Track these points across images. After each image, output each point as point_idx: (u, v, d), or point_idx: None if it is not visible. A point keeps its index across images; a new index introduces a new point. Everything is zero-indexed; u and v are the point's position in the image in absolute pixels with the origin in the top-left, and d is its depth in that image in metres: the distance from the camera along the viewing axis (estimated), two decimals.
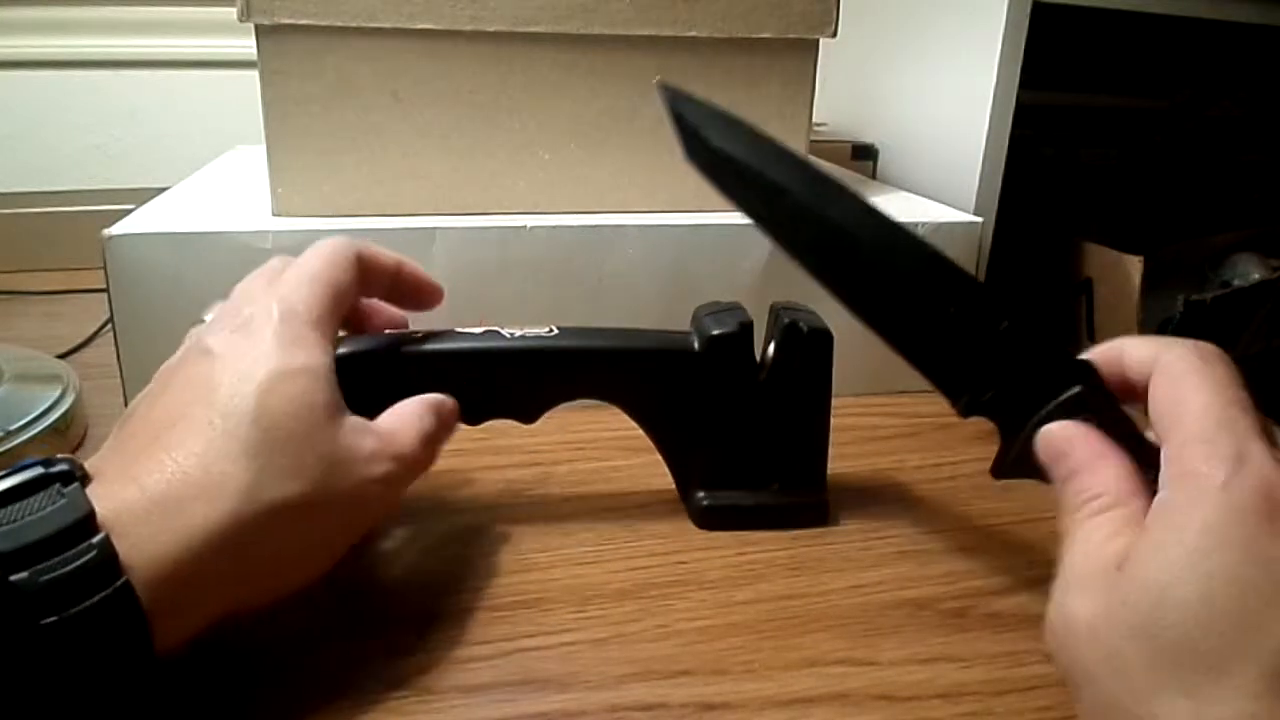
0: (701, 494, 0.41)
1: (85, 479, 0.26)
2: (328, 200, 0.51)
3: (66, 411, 0.47)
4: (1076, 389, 0.29)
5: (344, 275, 0.34)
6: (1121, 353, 0.28)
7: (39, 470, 0.26)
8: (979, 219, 0.58)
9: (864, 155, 0.84)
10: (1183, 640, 0.22)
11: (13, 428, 0.44)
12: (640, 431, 0.40)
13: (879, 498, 0.44)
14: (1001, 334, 0.30)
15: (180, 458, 0.27)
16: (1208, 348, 0.26)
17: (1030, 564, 0.38)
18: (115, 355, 0.48)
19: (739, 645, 0.33)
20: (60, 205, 0.81)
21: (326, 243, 0.35)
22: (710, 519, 0.41)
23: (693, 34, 0.52)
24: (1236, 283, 0.83)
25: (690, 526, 0.41)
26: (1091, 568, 0.25)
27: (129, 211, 0.51)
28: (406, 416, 0.33)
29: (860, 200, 0.32)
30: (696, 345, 0.39)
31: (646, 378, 0.39)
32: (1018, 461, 0.30)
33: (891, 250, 0.31)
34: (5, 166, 0.84)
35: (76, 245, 0.74)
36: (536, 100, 0.52)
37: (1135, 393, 0.28)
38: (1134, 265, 0.70)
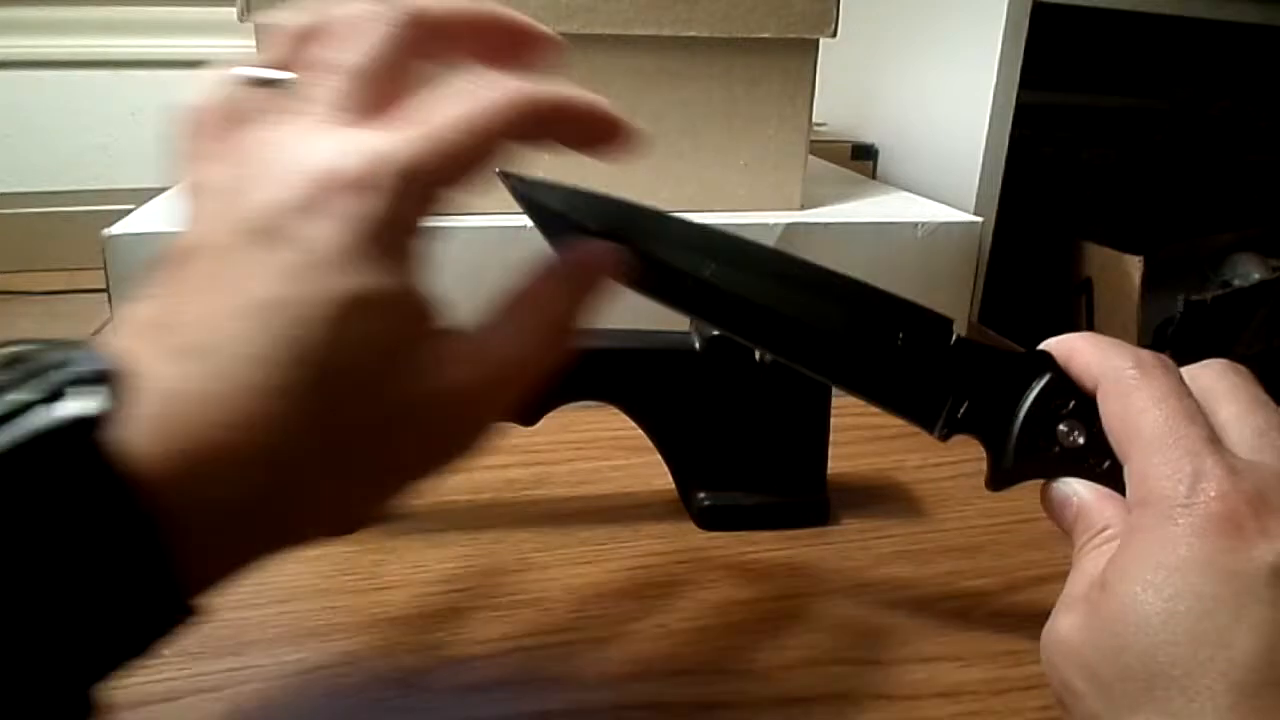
0: (701, 494, 0.41)
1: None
2: None
3: None
4: (1046, 376, 0.29)
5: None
6: (1070, 355, 0.29)
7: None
8: (979, 219, 0.58)
9: (864, 155, 0.84)
10: (1149, 659, 0.22)
11: None
12: (640, 431, 0.40)
13: (879, 498, 0.44)
14: (955, 346, 0.30)
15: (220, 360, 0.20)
16: (1147, 357, 0.27)
17: (1030, 564, 0.38)
18: None
19: (739, 645, 0.33)
20: (60, 205, 0.81)
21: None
22: (710, 519, 0.41)
23: (692, 34, 0.52)
24: (1236, 283, 0.83)
25: (690, 526, 0.41)
26: (1080, 590, 0.25)
27: (129, 211, 0.51)
28: (527, 307, 0.25)
29: (755, 245, 0.30)
30: (697, 345, 0.39)
31: (647, 378, 0.39)
32: (1011, 468, 0.30)
33: (820, 296, 0.30)
34: (5, 166, 0.84)
35: (76, 245, 0.74)
36: None
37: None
38: (1134, 265, 0.71)
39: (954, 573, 0.38)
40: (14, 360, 0.20)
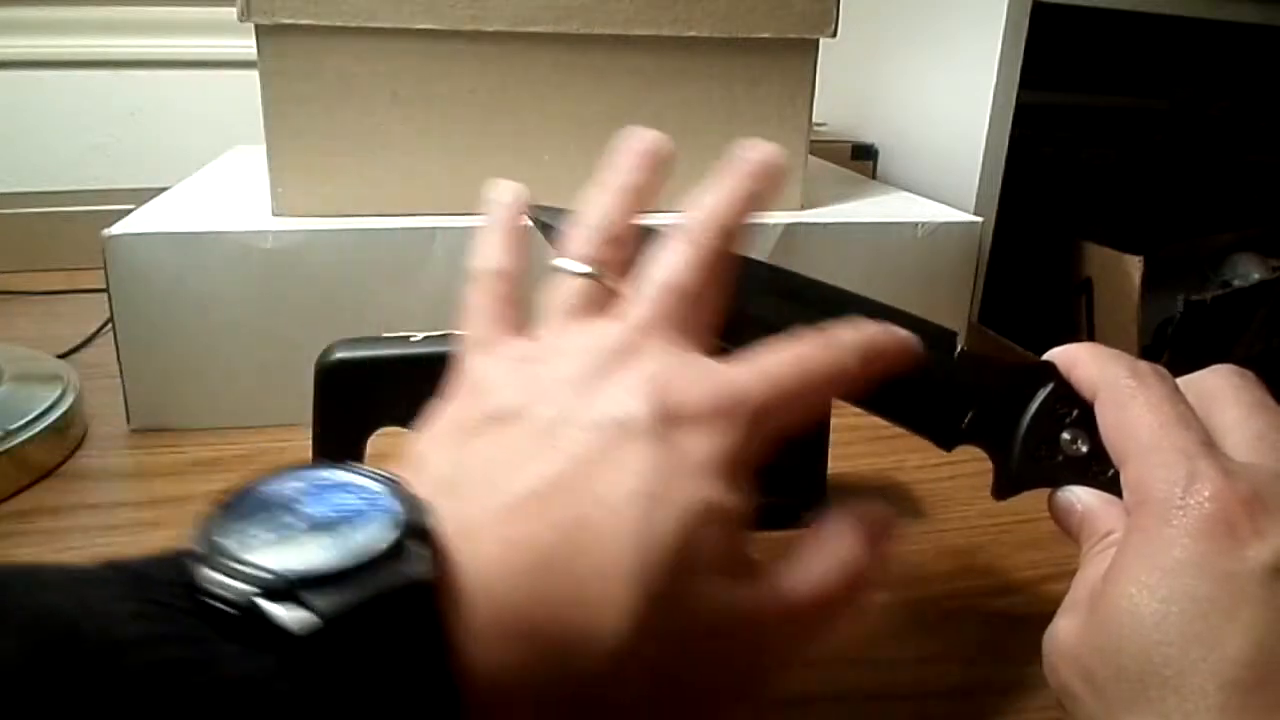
0: None
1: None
2: (328, 200, 0.51)
3: (66, 411, 0.47)
4: (1050, 386, 0.29)
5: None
6: (1072, 365, 0.29)
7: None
8: (979, 219, 0.58)
9: (864, 155, 0.84)
10: (1143, 660, 0.22)
11: (13, 427, 0.44)
12: None
13: (879, 498, 0.44)
14: (960, 358, 0.30)
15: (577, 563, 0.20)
16: (1143, 366, 0.27)
17: (1030, 564, 0.38)
18: (115, 355, 0.48)
19: None
20: (60, 205, 0.81)
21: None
22: None
23: (692, 34, 0.52)
24: (1236, 283, 0.83)
25: None
26: (1081, 593, 0.25)
27: (129, 211, 0.51)
28: (828, 551, 0.24)
29: (762, 264, 0.31)
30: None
31: None
32: (1016, 477, 0.30)
33: (826, 312, 0.31)
34: (5, 166, 0.84)
35: (76, 245, 0.74)
36: (536, 100, 0.52)
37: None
38: (1134, 265, 0.71)
39: (954, 573, 0.38)
40: (345, 486, 0.21)
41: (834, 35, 0.54)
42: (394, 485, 0.21)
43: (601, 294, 0.27)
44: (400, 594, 0.19)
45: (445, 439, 0.24)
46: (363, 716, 0.18)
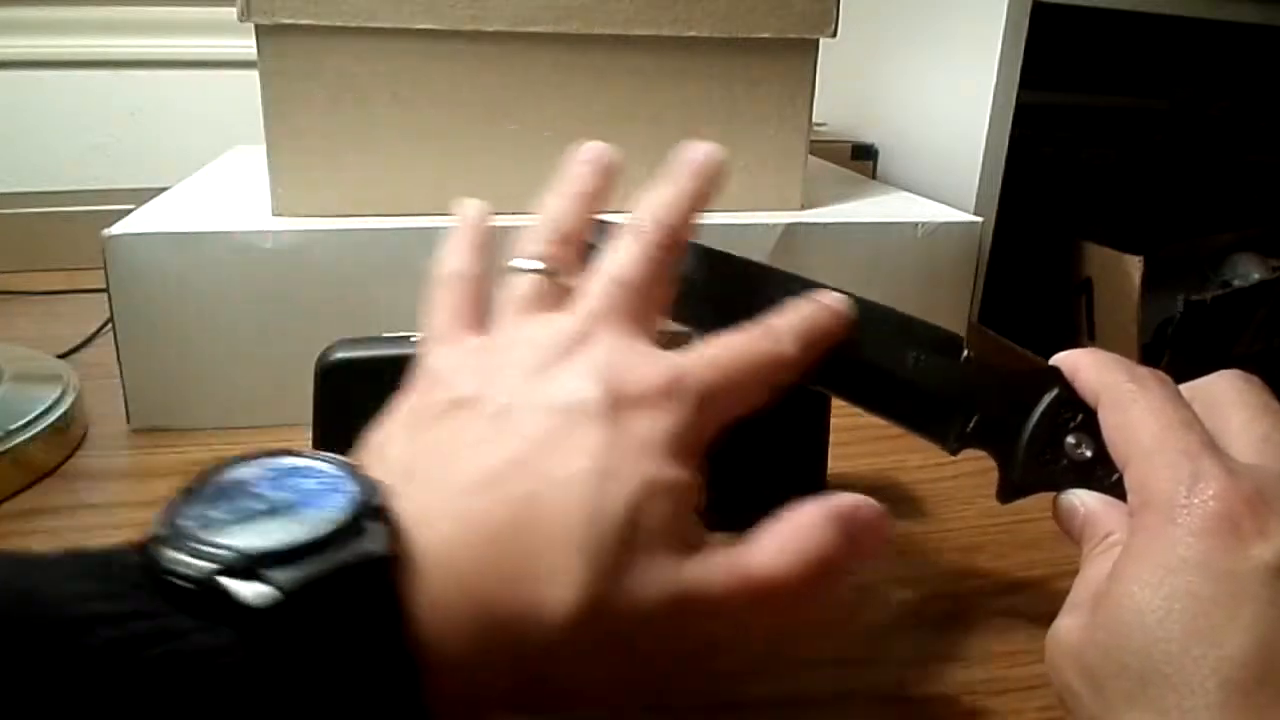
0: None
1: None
2: (328, 200, 0.51)
3: (66, 411, 0.47)
4: (1054, 391, 0.29)
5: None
6: (1075, 371, 0.29)
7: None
8: (979, 219, 0.58)
9: (864, 155, 0.84)
10: (1144, 657, 0.22)
11: (13, 427, 0.44)
12: None
13: (879, 498, 0.44)
14: (965, 363, 0.31)
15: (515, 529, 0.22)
16: (1144, 372, 0.28)
17: (1030, 564, 0.38)
18: (115, 355, 0.48)
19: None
20: (60, 205, 0.81)
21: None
22: (710, 519, 0.41)
23: (693, 34, 0.52)
24: (1236, 283, 0.83)
25: None
26: (1084, 593, 0.26)
27: (129, 211, 0.51)
28: (789, 532, 0.25)
29: (780, 273, 0.32)
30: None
31: None
32: (1020, 481, 0.30)
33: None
34: (5, 166, 0.84)
35: (76, 245, 0.74)
36: (536, 100, 0.52)
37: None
38: (1134, 265, 0.70)
39: (954, 573, 0.38)
40: (304, 472, 0.22)
41: (834, 35, 0.54)
42: (351, 469, 0.22)
43: (554, 290, 0.28)
44: (357, 568, 0.19)
45: (403, 428, 0.25)
46: (322, 688, 0.19)
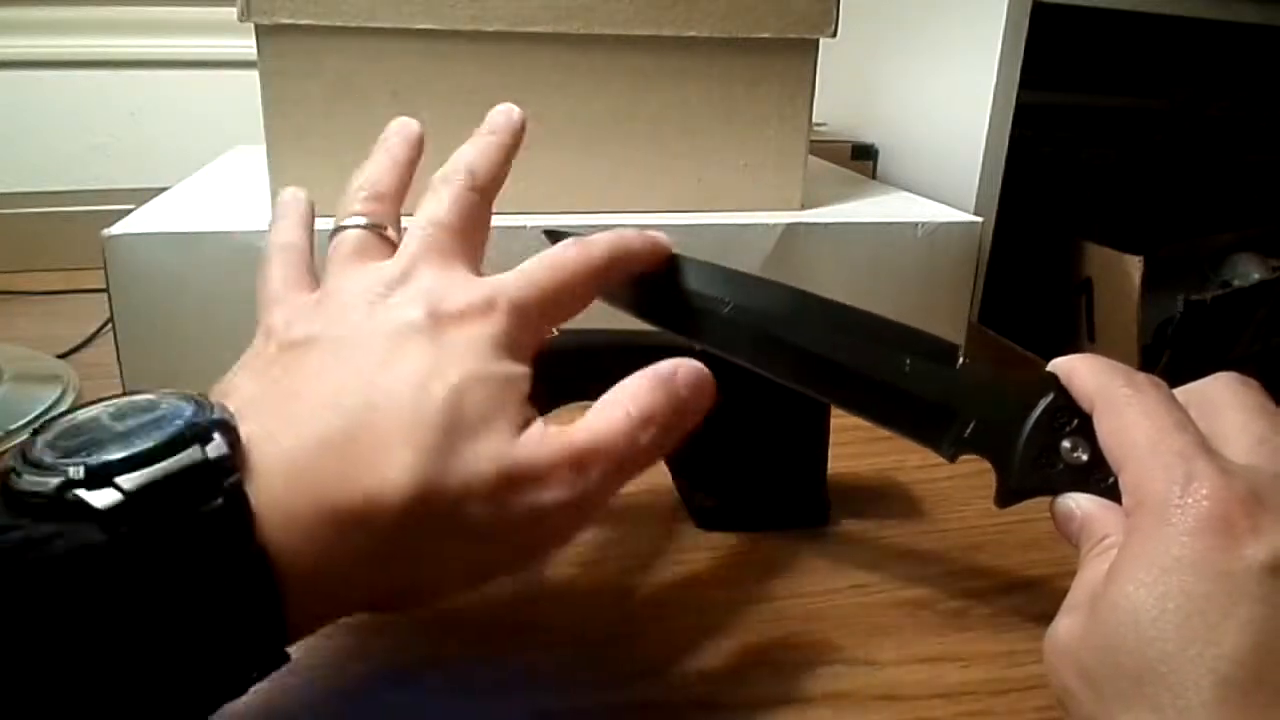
0: (701, 494, 0.41)
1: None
2: (328, 200, 0.51)
3: (66, 412, 0.47)
4: (1050, 396, 0.29)
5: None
6: (1071, 375, 0.29)
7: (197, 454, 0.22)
8: (979, 219, 0.58)
9: (864, 155, 0.84)
10: (1140, 657, 0.22)
11: (13, 427, 0.44)
12: None
13: (879, 498, 0.44)
14: (961, 370, 0.31)
15: (350, 426, 0.24)
16: (1139, 376, 0.28)
17: (1030, 564, 0.38)
18: (115, 355, 0.48)
19: (739, 645, 0.33)
20: (60, 205, 0.81)
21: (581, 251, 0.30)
22: (710, 519, 0.41)
23: (692, 34, 0.52)
24: (1236, 283, 0.83)
25: (690, 526, 0.41)
26: (1081, 595, 0.26)
27: (129, 211, 0.51)
28: (610, 399, 0.27)
29: (775, 285, 0.33)
30: (696, 345, 0.39)
31: None
32: (1018, 485, 0.30)
33: (830, 327, 0.32)
34: (5, 166, 0.84)
35: (76, 245, 0.74)
36: (536, 100, 0.52)
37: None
38: (1134, 265, 0.71)
39: (954, 573, 0.38)
40: (149, 406, 0.23)
41: (834, 35, 0.54)
42: (194, 397, 0.24)
43: (378, 242, 0.30)
44: (197, 469, 0.21)
45: (248, 371, 0.27)
46: (177, 587, 0.20)
